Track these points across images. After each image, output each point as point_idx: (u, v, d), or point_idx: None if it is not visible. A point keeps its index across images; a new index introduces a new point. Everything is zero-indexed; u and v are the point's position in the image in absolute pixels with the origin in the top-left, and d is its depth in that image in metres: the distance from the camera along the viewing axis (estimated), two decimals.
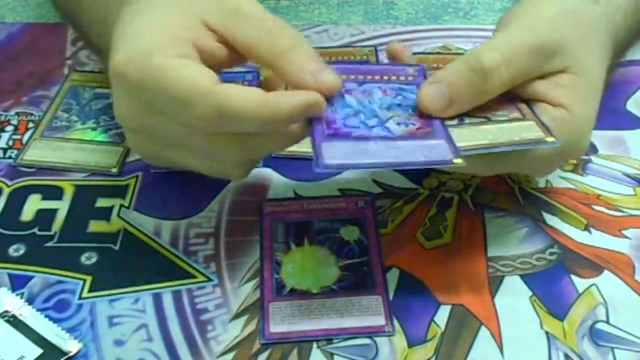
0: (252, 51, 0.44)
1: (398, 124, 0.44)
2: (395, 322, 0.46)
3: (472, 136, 0.43)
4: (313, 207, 0.53)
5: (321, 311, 0.47)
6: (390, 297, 0.48)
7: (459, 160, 0.41)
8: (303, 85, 0.43)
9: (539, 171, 0.50)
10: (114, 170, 0.56)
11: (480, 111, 0.45)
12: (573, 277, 0.49)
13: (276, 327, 0.46)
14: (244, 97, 0.41)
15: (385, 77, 0.47)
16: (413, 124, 0.44)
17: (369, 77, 0.47)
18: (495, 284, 0.49)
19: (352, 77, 0.47)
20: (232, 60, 0.45)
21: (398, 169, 0.43)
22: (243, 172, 0.47)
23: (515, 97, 0.46)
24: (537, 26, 0.46)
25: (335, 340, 0.46)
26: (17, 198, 0.54)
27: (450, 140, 0.43)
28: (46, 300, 0.48)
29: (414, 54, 0.65)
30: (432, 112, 0.44)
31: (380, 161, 0.42)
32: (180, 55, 0.42)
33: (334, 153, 0.41)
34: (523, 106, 0.45)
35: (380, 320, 0.46)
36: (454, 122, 0.44)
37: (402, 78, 0.47)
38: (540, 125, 0.44)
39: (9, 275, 0.49)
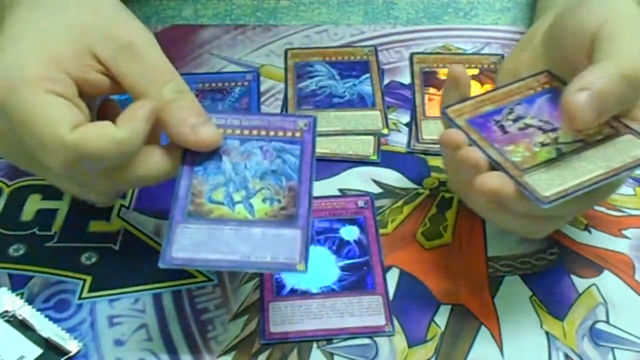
0: (136, 94, 0.43)
1: (264, 199, 0.43)
2: (395, 322, 0.46)
3: (583, 169, 0.41)
4: (313, 207, 0.53)
5: (321, 311, 0.47)
6: (390, 297, 0.48)
7: (302, 267, 0.40)
8: (182, 139, 0.43)
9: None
10: None
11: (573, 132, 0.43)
12: (573, 277, 0.49)
13: (276, 327, 0.46)
14: (97, 142, 0.40)
15: (272, 133, 0.46)
16: (279, 202, 0.43)
17: (254, 132, 0.46)
18: (495, 284, 0.49)
19: (237, 132, 0.45)
20: (115, 91, 0.44)
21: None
22: (109, 199, 0.47)
23: None
24: None
25: (335, 340, 0.46)
26: (17, 198, 0.54)
27: (306, 232, 0.42)
28: (46, 300, 0.48)
29: (414, 54, 0.65)
30: (580, 124, 0.42)
31: (227, 260, 0.41)
32: (51, 90, 0.41)
33: (185, 241, 0.41)
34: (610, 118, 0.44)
35: (380, 320, 0.46)
36: (553, 154, 0.43)
37: (289, 134, 0.46)
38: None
39: (9, 275, 0.49)
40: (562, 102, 0.42)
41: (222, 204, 0.43)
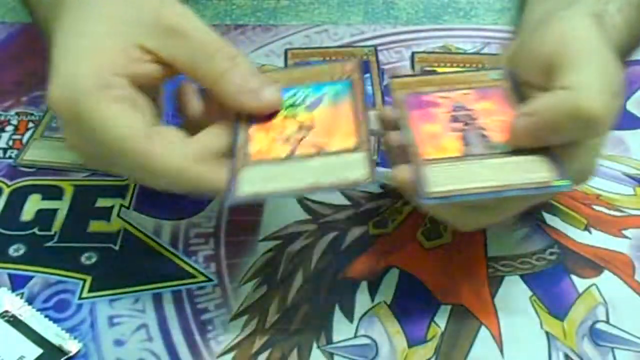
0: (190, 73, 0.44)
1: None
2: (396, 322, 0.46)
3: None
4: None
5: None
6: (390, 298, 0.48)
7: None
8: (244, 107, 0.43)
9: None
10: None
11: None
12: (573, 277, 0.49)
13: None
14: (168, 160, 0.41)
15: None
16: None
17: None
18: (495, 284, 0.49)
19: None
20: (171, 75, 0.45)
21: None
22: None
23: None
24: (608, 67, 0.42)
25: (335, 340, 0.46)
26: (17, 198, 0.54)
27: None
28: (46, 300, 0.48)
29: (414, 53, 0.65)
30: (516, 145, 0.42)
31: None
32: (116, 98, 0.42)
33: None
34: None
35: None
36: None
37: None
38: (551, 161, 0.41)
39: (9, 275, 0.49)
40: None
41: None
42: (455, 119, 0.44)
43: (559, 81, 0.41)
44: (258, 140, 0.43)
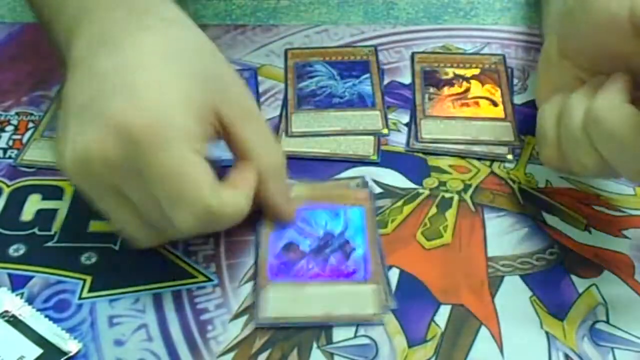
0: (245, 156, 0.47)
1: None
2: (395, 322, 0.46)
3: None
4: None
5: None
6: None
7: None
8: (278, 212, 0.50)
9: None
10: None
11: None
12: (573, 277, 0.49)
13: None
14: (232, 210, 0.44)
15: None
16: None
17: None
18: (495, 284, 0.49)
19: None
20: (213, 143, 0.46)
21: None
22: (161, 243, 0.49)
23: None
24: None
25: (335, 340, 0.46)
26: (17, 198, 0.54)
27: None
28: (46, 300, 0.48)
29: (415, 53, 0.65)
30: None
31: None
32: (197, 149, 0.42)
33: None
34: None
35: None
36: None
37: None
38: None
39: (9, 275, 0.49)
40: None
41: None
42: None
43: None
44: None
